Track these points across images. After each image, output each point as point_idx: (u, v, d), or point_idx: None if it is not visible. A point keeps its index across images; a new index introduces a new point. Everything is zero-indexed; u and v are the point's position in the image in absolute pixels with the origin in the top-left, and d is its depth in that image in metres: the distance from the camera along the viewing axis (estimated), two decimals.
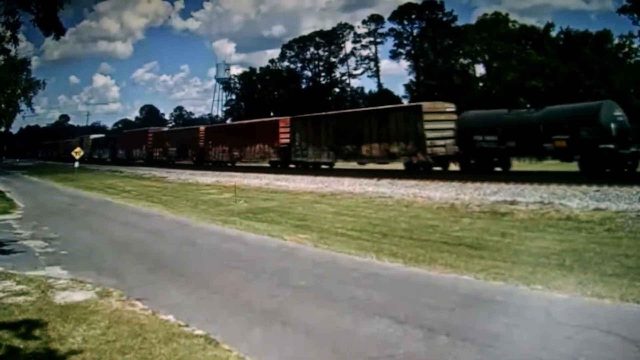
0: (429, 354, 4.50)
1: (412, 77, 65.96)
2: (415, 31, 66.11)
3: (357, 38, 72.83)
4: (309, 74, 76.90)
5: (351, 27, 73.83)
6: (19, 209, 17.29)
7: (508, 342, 4.63)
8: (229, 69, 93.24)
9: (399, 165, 23.63)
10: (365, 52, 72.80)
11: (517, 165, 20.43)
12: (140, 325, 5.24)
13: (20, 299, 6.23)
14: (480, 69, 56.63)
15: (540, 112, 18.65)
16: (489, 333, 4.82)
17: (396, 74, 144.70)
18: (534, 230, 9.94)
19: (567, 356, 4.29)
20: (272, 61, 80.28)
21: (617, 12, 45.78)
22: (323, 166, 28.01)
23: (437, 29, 62.01)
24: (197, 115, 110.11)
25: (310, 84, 75.58)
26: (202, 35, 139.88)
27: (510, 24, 52.65)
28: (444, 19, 63.38)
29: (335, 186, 19.43)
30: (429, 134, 21.81)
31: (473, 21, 58.48)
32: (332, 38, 74.55)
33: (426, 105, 23.33)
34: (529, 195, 13.55)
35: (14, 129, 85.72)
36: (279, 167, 30.35)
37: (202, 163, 38.67)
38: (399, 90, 70.96)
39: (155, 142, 47.25)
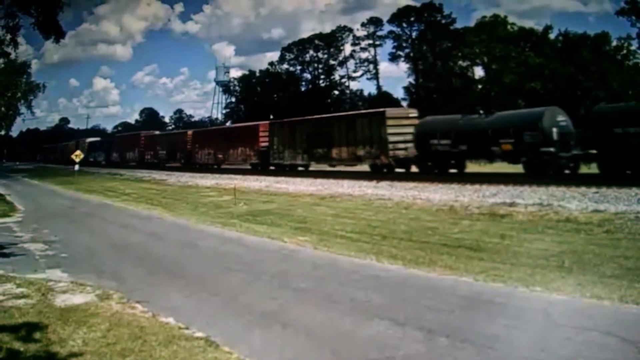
0: (428, 356, 4.51)
1: (411, 79, 66.05)
2: (414, 34, 66.22)
3: (356, 41, 72.98)
4: (309, 76, 77.06)
5: (350, 30, 73.99)
6: (19, 212, 17.29)
7: (507, 344, 4.64)
8: (228, 72, 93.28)
9: (365, 167, 25.33)
10: (364, 55, 72.95)
11: (472, 167, 21.95)
12: (140, 328, 5.24)
13: (21, 301, 6.23)
14: (479, 72, 56.79)
15: (489, 118, 20.19)
16: (488, 335, 4.83)
17: (395, 76, 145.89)
18: (533, 232, 9.94)
19: (567, 357, 4.31)
20: (271, 64, 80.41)
21: (615, 14, 46.01)
22: (299, 168, 29.69)
23: (436, 31, 62.11)
24: (197, 118, 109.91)
25: (310, 86, 75.65)
26: (202, 38, 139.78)
27: (508, 27, 52.70)
28: (443, 21, 63.49)
29: (335, 188, 19.45)
30: (391, 138, 23.36)
31: (472, 23, 58.52)
32: (331, 41, 74.63)
33: (390, 111, 25.07)
34: (528, 197, 13.57)
35: (14, 132, 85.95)
36: (259, 169, 31.86)
37: (190, 165, 40.02)
38: (399, 93, 71.07)
39: (147, 146, 48.76)
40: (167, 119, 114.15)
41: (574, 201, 12.51)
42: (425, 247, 8.95)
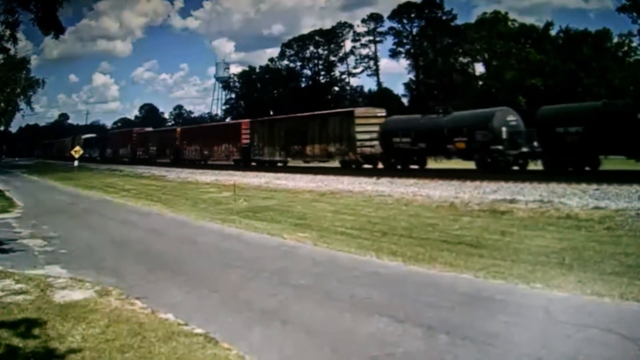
0: (428, 353, 4.50)
1: (411, 75, 66.12)
2: (414, 30, 66.26)
3: (357, 37, 72.96)
4: (309, 72, 77.04)
5: (351, 26, 74.00)
6: (19, 208, 17.25)
7: (508, 341, 4.62)
8: (228, 68, 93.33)
9: (336, 163, 27.10)
10: (364, 51, 72.96)
11: (432, 163, 23.83)
12: (139, 324, 5.23)
13: (20, 297, 6.22)
14: (479, 68, 56.83)
15: (446, 117, 21.48)
16: (488, 332, 4.82)
17: (396, 72, 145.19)
18: (534, 229, 9.93)
19: (567, 355, 4.29)
20: (271, 60, 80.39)
21: (616, 11, 45.86)
22: (279, 164, 31.42)
23: (437, 27, 62.05)
24: (196, 114, 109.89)
25: (310, 82, 75.61)
26: (202, 34, 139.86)
27: (509, 23, 52.65)
28: (444, 17, 63.49)
29: (335, 185, 19.43)
30: (359, 136, 24.98)
31: (472, 20, 58.61)
32: (331, 37, 74.55)
33: (359, 110, 27.02)
34: (529, 194, 13.56)
35: (14, 128, 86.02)
36: (242, 165, 33.25)
37: (178, 161, 41.06)
38: (399, 89, 71.21)
39: (139, 142, 49.93)
40: (166, 115, 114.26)
41: (574, 198, 12.50)
42: (426, 244, 8.93)
